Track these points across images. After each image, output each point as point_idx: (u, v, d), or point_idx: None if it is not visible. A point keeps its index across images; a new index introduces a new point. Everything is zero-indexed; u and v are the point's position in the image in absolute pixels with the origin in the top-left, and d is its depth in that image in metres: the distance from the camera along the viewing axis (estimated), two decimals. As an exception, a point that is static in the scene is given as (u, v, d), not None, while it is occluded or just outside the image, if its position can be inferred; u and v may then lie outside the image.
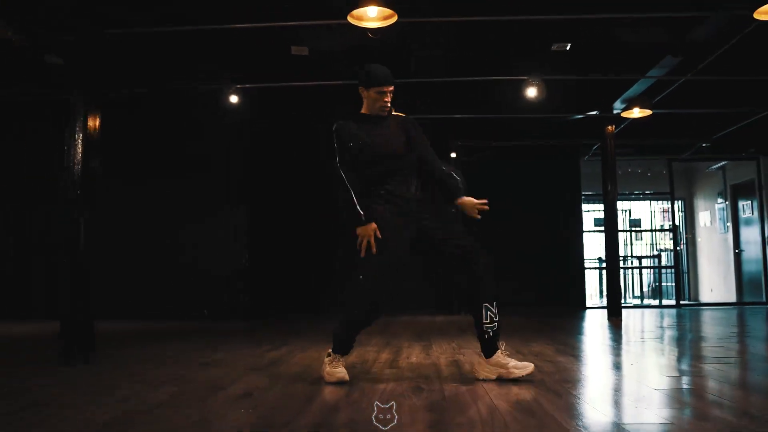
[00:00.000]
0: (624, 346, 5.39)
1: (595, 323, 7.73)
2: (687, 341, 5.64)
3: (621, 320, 7.90)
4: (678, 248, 12.15)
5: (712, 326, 7.03)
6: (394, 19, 4.71)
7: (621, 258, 13.17)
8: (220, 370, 3.95)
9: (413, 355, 4.70)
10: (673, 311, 10.00)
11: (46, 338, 5.78)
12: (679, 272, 11.66)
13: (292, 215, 9.85)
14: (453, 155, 9.48)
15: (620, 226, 13.56)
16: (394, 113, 3.66)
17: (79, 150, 4.41)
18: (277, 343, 5.61)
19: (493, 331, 3.42)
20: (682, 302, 11.11)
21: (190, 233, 8.50)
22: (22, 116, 8.64)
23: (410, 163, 3.58)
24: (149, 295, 8.28)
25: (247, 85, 6.80)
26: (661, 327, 7.18)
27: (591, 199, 11.95)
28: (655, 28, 5.78)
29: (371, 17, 4.71)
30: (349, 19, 4.71)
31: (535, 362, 4.18)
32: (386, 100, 3.56)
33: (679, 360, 4.34)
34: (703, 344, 5.25)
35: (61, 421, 2.58)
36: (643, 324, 7.57)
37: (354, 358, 4.59)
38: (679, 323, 7.53)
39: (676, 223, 12.21)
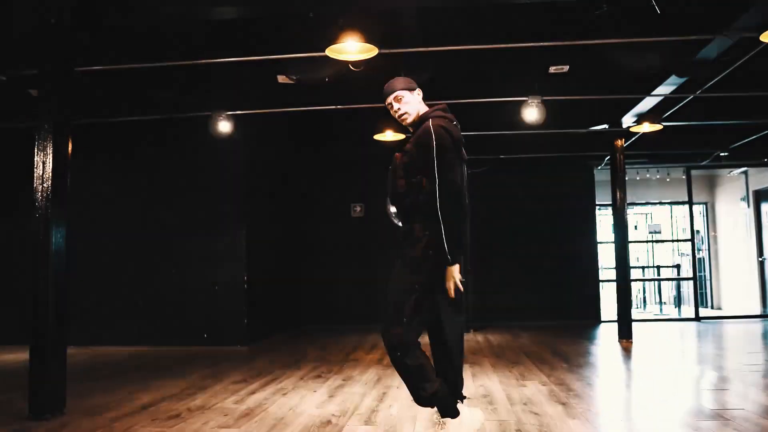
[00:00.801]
0: (625, 392, 5.11)
1: (603, 347, 7.45)
2: (698, 391, 5.13)
3: (632, 343, 7.61)
4: (698, 255, 11.74)
5: (731, 356, 6.64)
6: (375, 51, 4.52)
7: (641, 268, 12.87)
8: (190, 427, 3.82)
9: (397, 401, 4.50)
10: (692, 327, 9.60)
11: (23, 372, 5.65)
12: (697, 284, 11.18)
13: (287, 232, 9.74)
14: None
15: (640, 233, 13.28)
16: (431, 120, 3.11)
17: (48, 174, 4.35)
18: (265, 377, 5.49)
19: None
20: (701, 314, 10.70)
21: (189, 251, 8.10)
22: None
23: (418, 188, 3.07)
24: (147, 316, 8.03)
25: (237, 112, 6.67)
26: (674, 358, 6.89)
27: (608, 207, 11.57)
28: (661, 49, 5.49)
29: (352, 51, 4.53)
30: (329, 52, 4.53)
31: (519, 414, 4.00)
32: (394, 111, 3.25)
33: None
34: (717, 399, 4.94)
35: None
36: (655, 352, 7.22)
37: (336, 405, 4.43)
38: (696, 351, 7.20)
39: (697, 228, 11.80)
